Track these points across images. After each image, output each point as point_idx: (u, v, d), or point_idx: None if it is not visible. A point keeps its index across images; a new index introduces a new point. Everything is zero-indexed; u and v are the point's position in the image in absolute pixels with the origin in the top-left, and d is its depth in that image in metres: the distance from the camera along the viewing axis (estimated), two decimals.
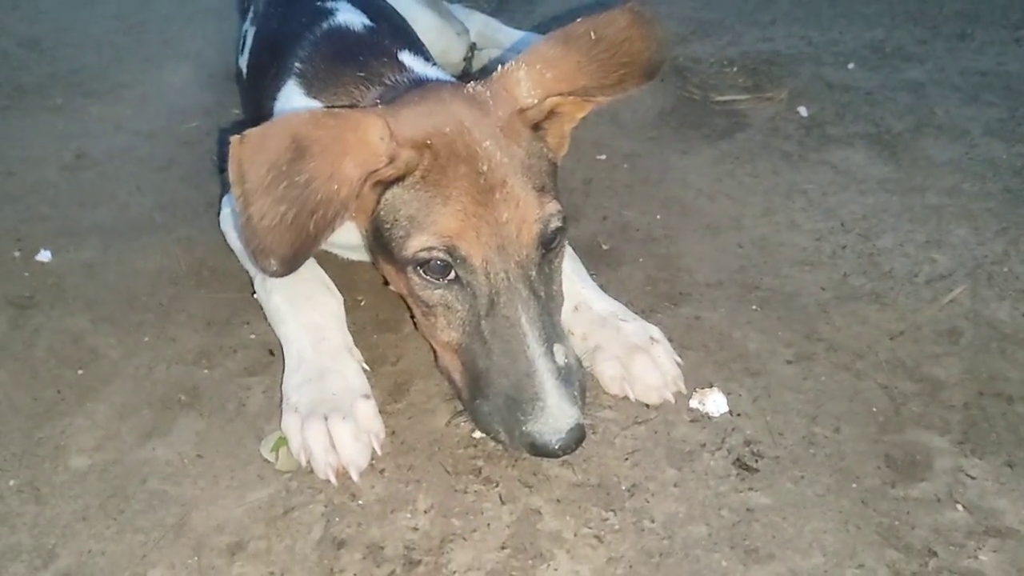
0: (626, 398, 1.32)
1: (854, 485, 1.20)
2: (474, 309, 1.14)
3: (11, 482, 1.21)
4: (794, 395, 1.34)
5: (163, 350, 1.43)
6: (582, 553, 1.11)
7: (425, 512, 1.17)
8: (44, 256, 1.63)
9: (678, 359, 1.35)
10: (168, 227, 1.72)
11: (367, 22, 1.51)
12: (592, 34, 1.20)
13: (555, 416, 1.10)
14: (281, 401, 1.28)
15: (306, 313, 1.35)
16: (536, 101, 1.18)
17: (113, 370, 1.39)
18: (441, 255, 1.12)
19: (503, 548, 1.12)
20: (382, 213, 1.15)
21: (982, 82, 2.15)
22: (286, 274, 1.12)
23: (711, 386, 1.34)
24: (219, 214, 1.58)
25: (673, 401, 1.31)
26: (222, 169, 1.11)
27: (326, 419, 1.21)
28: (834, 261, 1.61)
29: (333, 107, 1.29)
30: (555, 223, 1.16)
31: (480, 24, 2.35)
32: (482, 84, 1.21)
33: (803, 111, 2.08)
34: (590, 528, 1.14)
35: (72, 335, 1.46)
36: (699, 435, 1.28)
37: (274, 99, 1.44)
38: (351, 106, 1.30)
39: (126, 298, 1.54)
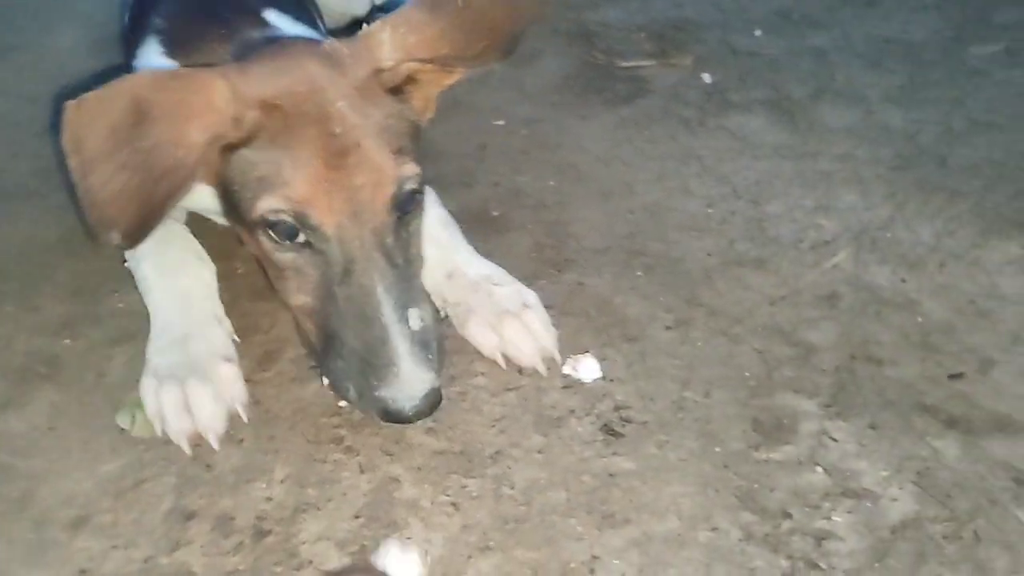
0: (500, 365, 1.31)
1: (718, 449, 1.19)
2: (327, 275, 1.11)
3: None
4: (669, 360, 1.33)
5: (24, 320, 1.38)
6: (437, 521, 1.09)
7: (281, 482, 1.14)
8: None
9: (552, 326, 1.34)
10: (42, 193, 1.66)
11: None
12: (460, 1, 1.16)
13: (409, 382, 1.08)
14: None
15: (175, 280, 1.31)
16: (396, 60, 1.14)
17: None
18: (289, 219, 1.08)
19: (356, 517, 1.10)
20: (230, 175, 1.11)
21: (885, 48, 2.15)
22: (131, 247, 1.10)
23: (585, 352, 1.33)
24: None
25: (544, 369, 1.29)
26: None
27: (183, 382, 1.17)
28: (722, 227, 1.60)
29: (184, 67, 1.23)
30: (410, 185, 1.12)
31: None
32: (342, 43, 1.16)
33: (707, 77, 2.06)
34: (447, 496, 1.12)
35: None
36: (569, 401, 1.26)
37: (134, 57, 1.38)
38: (206, 66, 1.25)
39: None
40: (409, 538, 1.07)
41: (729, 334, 1.38)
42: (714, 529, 1.09)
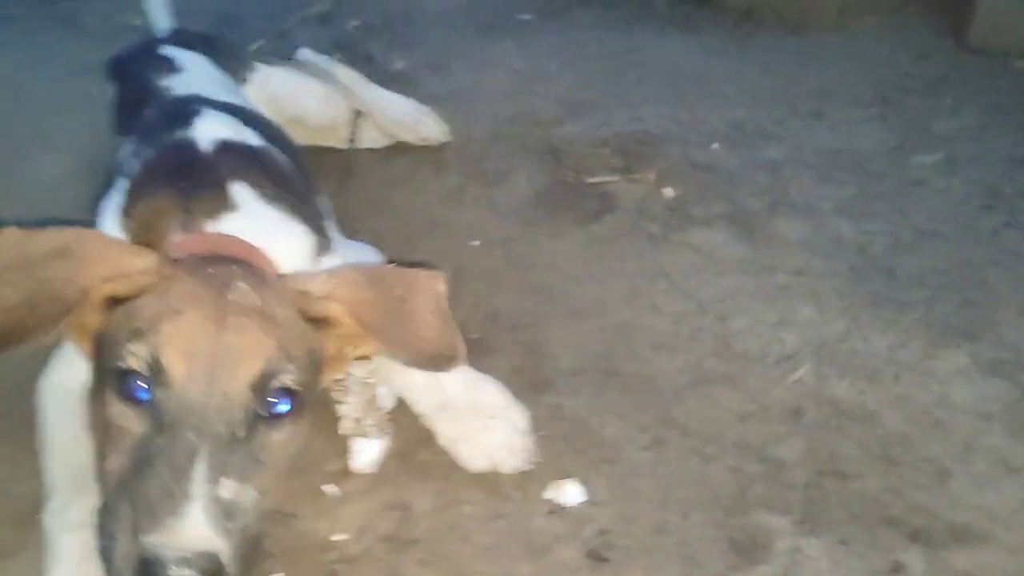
0: (488, 491, 1.37)
1: (698, 573, 1.26)
2: (153, 426, 1.03)
3: None
4: (647, 482, 1.40)
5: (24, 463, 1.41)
6: None
7: None
8: None
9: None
10: None
11: (225, 137, 1.46)
12: (397, 290, 1.22)
13: (189, 528, 0.96)
14: None
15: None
16: (325, 295, 1.16)
17: None
18: (142, 366, 1.04)
19: None
20: (107, 327, 1.10)
21: (835, 160, 2.29)
22: None
23: (568, 477, 1.39)
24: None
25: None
26: None
27: None
28: (691, 344, 1.69)
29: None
30: (282, 380, 1.08)
31: (347, 80, 2.31)
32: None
33: (669, 192, 2.18)
34: None
35: None
36: (555, 527, 1.33)
37: (103, 196, 1.41)
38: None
39: None
40: None
41: (702, 453, 1.45)
42: None
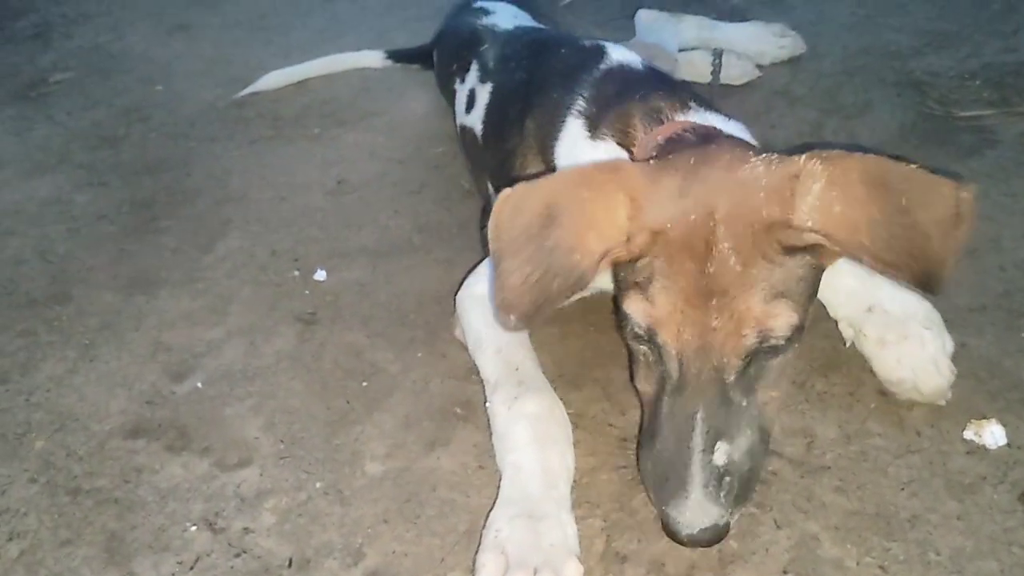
0: (894, 425, 1.32)
1: None
2: (662, 383, 1.14)
3: (318, 484, 1.34)
4: None
5: (436, 365, 1.54)
6: None
7: None
8: (320, 275, 1.79)
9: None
10: (426, 248, 1.84)
11: (643, 61, 1.54)
12: (904, 200, 1.02)
13: (693, 511, 1.08)
14: (485, 526, 1.21)
15: (545, 454, 1.26)
16: (808, 226, 1.04)
17: (393, 383, 1.51)
18: (641, 332, 1.13)
19: (784, 572, 1.14)
20: (615, 269, 1.16)
21: None
22: (523, 329, 1.14)
23: (988, 418, 1.31)
24: (457, 294, 1.55)
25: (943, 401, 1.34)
26: (483, 226, 1.17)
27: (535, 573, 1.13)
28: None
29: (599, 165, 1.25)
30: (777, 337, 1.08)
31: (697, 25, 2.36)
32: (773, 163, 1.08)
33: None
34: (872, 558, 1.15)
35: (353, 349, 1.59)
36: (978, 467, 1.25)
37: (555, 140, 1.47)
38: (630, 146, 1.34)
39: (397, 316, 1.66)
40: None
41: None
42: None
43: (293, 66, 2.59)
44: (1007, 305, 1.52)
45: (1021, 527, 1.16)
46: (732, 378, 1.09)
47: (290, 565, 1.22)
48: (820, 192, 1.03)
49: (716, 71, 2.12)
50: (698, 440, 1.08)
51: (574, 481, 1.26)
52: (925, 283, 1.03)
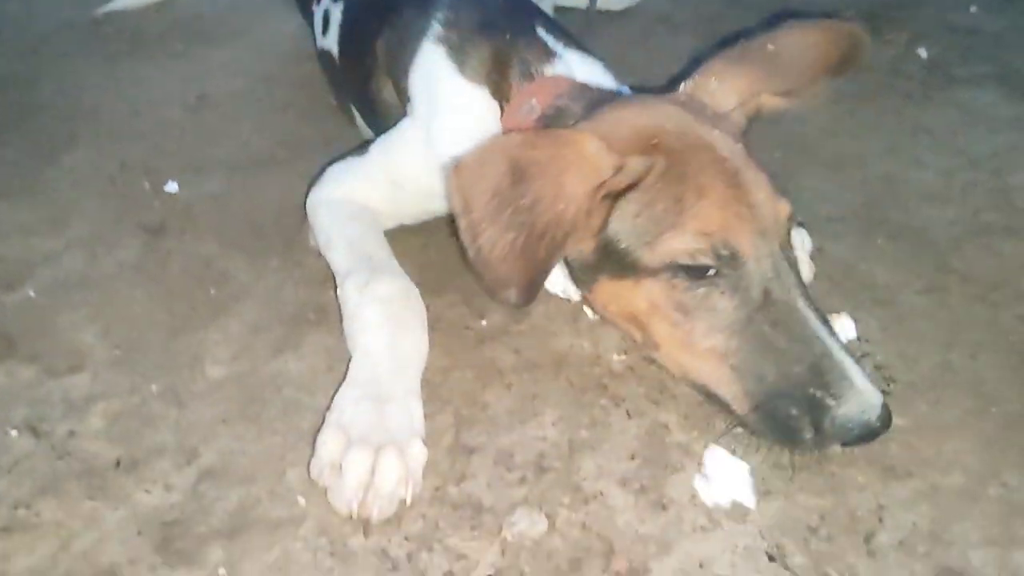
0: None
1: (994, 409, 1.16)
2: (743, 304, 1.05)
3: (153, 387, 1.26)
4: (927, 324, 1.31)
5: (290, 272, 1.47)
6: None
7: (553, 424, 1.17)
8: (171, 187, 1.68)
9: None
10: (289, 162, 1.76)
11: None
12: (769, 45, 1.22)
13: (868, 392, 1.00)
14: (328, 408, 1.14)
15: (396, 339, 1.19)
16: (734, 105, 1.20)
17: (243, 290, 1.43)
18: (706, 255, 1.04)
19: (632, 458, 1.12)
20: (615, 226, 1.08)
21: None
22: (525, 304, 1.05)
23: (838, 312, 1.31)
24: (307, 199, 1.48)
25: None
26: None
27: (378, 451, 1.05)
28: (964, 197, 1.56)
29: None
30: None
31: None
32: (675, 94, 1.20)
33: (923, 53, 2.01)
34: (720, 444, 1.13)
35: (203, 259, 1.50)
36: None
37: (408, 67, 1.38)
38: (503, 101, 1.29)
39: (252, 227, 1.58)
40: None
41: (987, 300, 1.34)
42: (1004, 485, 1.06)
43: None
44: (866, 215, 1.54)
45: None
46: (792, 253, 1.10)
47: (118, 466, 1.14)
48: (717, 85, 1.20)
49: None
50: (819, 326, 1.03)
51: (427, 379, 1.21)
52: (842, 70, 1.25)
